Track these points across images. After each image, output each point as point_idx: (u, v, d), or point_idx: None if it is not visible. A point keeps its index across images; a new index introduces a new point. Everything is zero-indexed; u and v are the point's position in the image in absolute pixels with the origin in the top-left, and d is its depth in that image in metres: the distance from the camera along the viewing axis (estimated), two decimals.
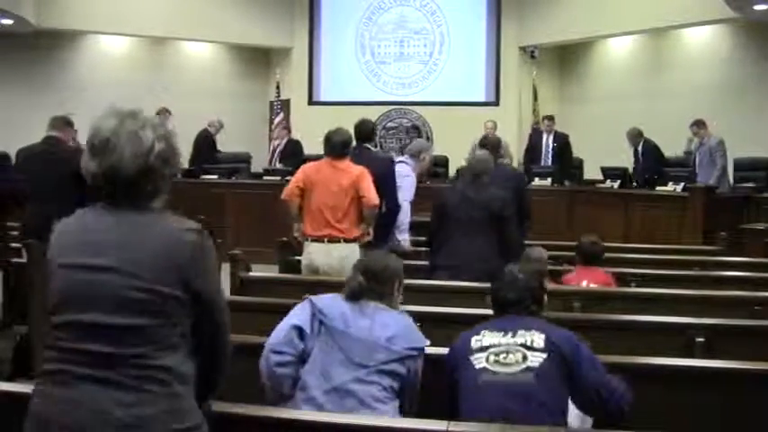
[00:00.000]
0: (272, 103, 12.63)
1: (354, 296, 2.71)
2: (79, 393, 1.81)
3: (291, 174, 9.47)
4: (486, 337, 2.59)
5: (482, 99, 12.21)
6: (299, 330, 2.60)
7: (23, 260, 4.90)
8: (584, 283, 4.51)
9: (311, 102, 12.61)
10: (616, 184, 9.08)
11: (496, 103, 12.10)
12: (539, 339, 2.53)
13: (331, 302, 2.69)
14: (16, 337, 4.69)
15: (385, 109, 12.13)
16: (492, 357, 2.53)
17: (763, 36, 9.80)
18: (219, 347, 1.98)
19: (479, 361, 2.54)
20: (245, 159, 10.96)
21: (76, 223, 1.93)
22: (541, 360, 2.48)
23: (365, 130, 5.58)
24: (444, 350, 2.80)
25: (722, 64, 10.39)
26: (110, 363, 1.80)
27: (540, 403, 2.43)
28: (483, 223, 4.71)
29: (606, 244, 4.98)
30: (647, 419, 2.75)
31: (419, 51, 12.48)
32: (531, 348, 2.51)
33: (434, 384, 2.72)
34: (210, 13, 11.87)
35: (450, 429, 2.17)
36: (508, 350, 2.53)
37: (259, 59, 13.16)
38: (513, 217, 4.85)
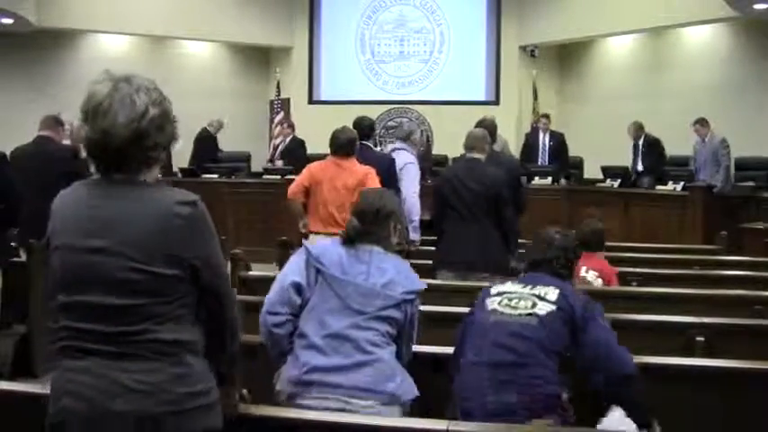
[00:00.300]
0: (272, 102, 12.62)
1: (350, 241, 2.69)
2: (87, 363, 1.84)
3: (292, 173, 9.53)
4: (507, 286, 2.75)
5: (482, 98, 12.19)
6: (297, 287, 2.59)
7: (23, 260, 4.90)
8: (584, 269, 4.52)
9: (311, 101, 12.61)
10: (616, 183, 9.08)
11: (496, 102, 12.09)
12: (553, 294, 2.64)
13: (327, 249, 2.67)
14: (16, 337, 4.69)
15: (385, 108, 12.13)
16: (504, 301, 2.67)
17: (762, 35, 9.80)
18: (224, 317, 1.98)
19: (492, 303, 2.69)
20: (245, 159, 10.98)
21: (72, 197, 1.93)
22: (549, 310, 2.60)
23: (364, 128, 5.56)
24: (445, 349, 2.80)
25: (722, 63, 10.39)
26: (113, 340, 1.83)
27: (540, 347, 2.52)
28: (481, 207, 4.66)
29: (607, 243, 4.97)
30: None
31: (419, 50, 12.47)
32: (542, 299, 2.63)
33: (434, 384, 2.72)
34: (210, 13, 11.86)
35: (450, 429, 2.17)
36: (521, 297, 2.67)
37: (259, 58, 13.15)
38: (510, 200, 4.79)
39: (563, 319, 2.57)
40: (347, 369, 2.47)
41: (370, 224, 2.71)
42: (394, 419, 2.35)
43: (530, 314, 2.59)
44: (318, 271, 2.60)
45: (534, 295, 2.65)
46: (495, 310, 2.66)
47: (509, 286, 2.74)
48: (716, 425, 2.78)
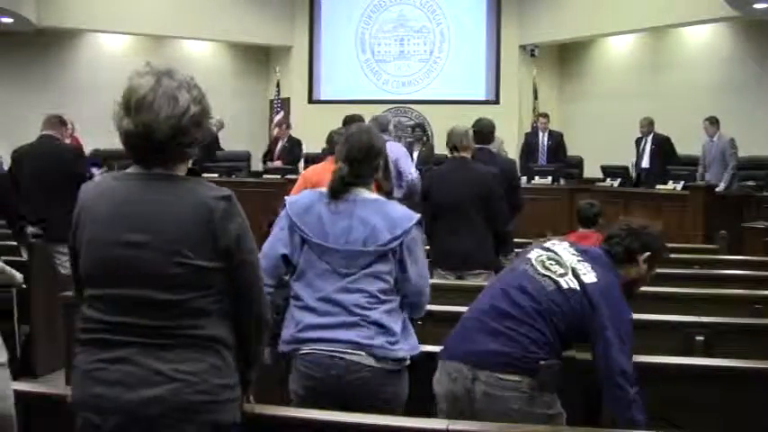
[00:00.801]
0: (272, 101, 12.63)
1: (337, 195, 2.62)
2: (123, 353, 1.86)
3: (292, 172, 9.54)
4: (557, 246, 2.64)
5: (482, 97, 12.20)
6: (285, 258, 2.58)
7: (24, 260, 4.91)
8: None
9: (311, 100, 12.61)
10: (616, 183, 9.09)
11: (497, 102, 12.10)
12: (589, 278, 2.52)
13: (306, 209, 2.60)
14: (18, 337, 4.69)
15: (385, 107, 12.08)
16: (543, 257, 2.60)
17: (763, 35, 9.80)
18: (251, 313, 2.00)
19: (533, 254, 2.63)
20: (245, 158, 10.98)
21: (102, 190, 1.94)
22: (573, 287, 2.50)
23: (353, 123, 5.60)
24: None
25: (722, 63, 10.38)
26: (151, 333, 1.86)
27: (540, 312, 2.48)
28: (474, 206, 4.61)
29: None
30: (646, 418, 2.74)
31: (419, 50, 12.48)
32: (576, 275, 2.53)
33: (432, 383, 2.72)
34: (211, 12, 11.87)
35: (449, 428, 2.17)
36: (559, 262, 2.58)
37: (259, 58, 13.16)
38: (502, 198, 4.71)
39: (581, 305, 2.49)
40: (339, 327, 2.49)
41: (359, 166, 2.65)
42: (394, 418, 2.35)
43: (551, 280, 2.53)
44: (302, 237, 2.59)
45: (572, 267, 2.55)
46: (529, 260, 2.61)
47: (560, 248, 2.63)
48: (715, 424, 2.78)
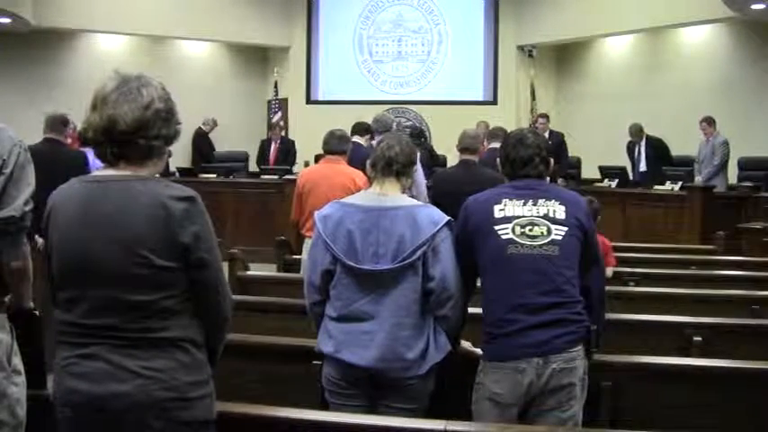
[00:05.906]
0: (269, 102, 12.62)
1: (390, 164, 2.71)
2: (93, 350, 1.89)
3: (289, 172, 9.54)
4: (509, 207, 2.65)
5: (480, 98, 12.20)
6: (329, 273, 2.66)
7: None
8: None
9: (309, 101, 12.59)
10: (614, 183, 9.10)
11: (494, 102, 12.10)
12: (560, 211, 2.62)
13: (336, 226, 2.65)
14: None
15: (383, 108, 12.08)
16: (518, 229, 2.61)
17: (760, 35, 9.81)
18: (216, 311, 2.01)
19: (505, 232, 2.61)
20: (244, 158, 10.98)
21: (70, 193, 1.97)
22: (564, 233, 2.59)
23: (358, 128, 5.63)
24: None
25: (720, 63, 10.39)
26: (116, 334, 1.88)
27: (570, 279, 2.57)
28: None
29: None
30: (643, 418, 2.75)
31: (417, 50, 12.47)
32: (554, 221, 2.61)
33: (438, 382, 2.72)
34: (208, 12, 11.84)
35: (447, 429, 2.17)
36: (533, 222, 2.61)
37: (257, 58, 13.14)
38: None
39: (576, 237, 2.61)
40: (367, 339, 2.57)
41: (404, 157, 2.74)
42: (392, 419, 2.35)
43: (549, 242, 2.57)
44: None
45: (545, 217, 2.60)
46: (512, 241, 2.58)
47: (511, 207, 2.63)
48: (713, 424, 2.78)
